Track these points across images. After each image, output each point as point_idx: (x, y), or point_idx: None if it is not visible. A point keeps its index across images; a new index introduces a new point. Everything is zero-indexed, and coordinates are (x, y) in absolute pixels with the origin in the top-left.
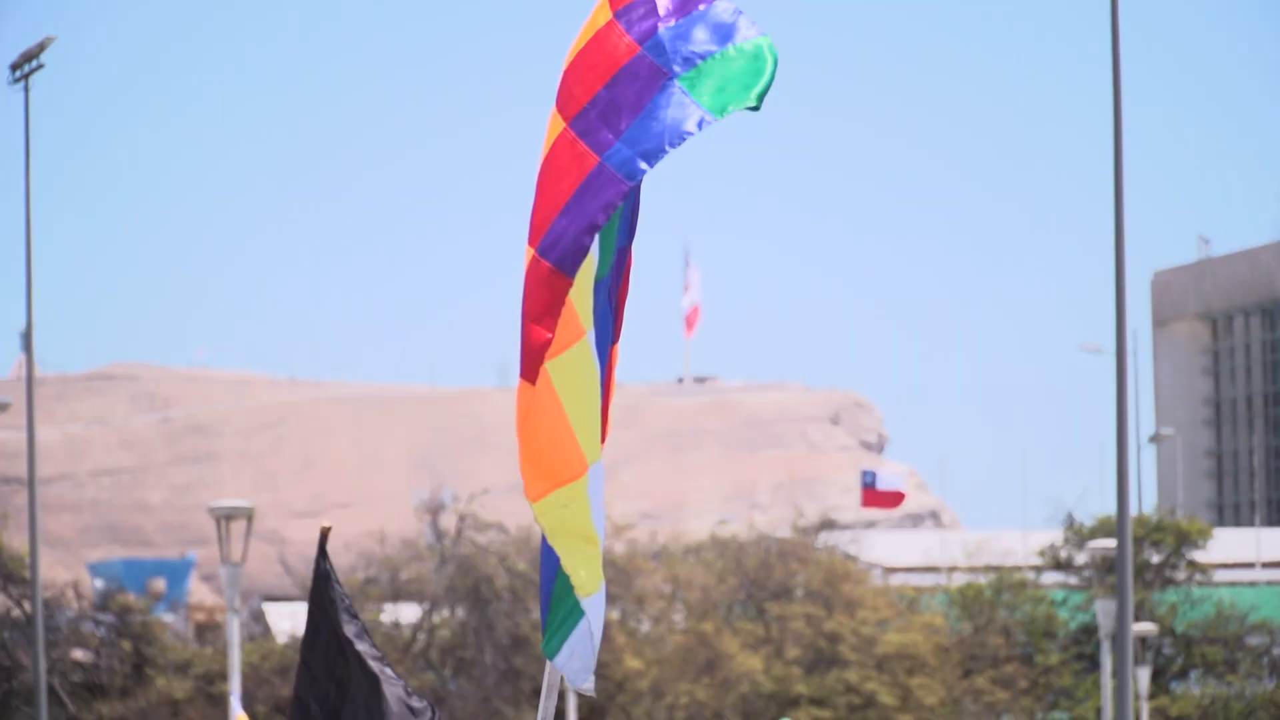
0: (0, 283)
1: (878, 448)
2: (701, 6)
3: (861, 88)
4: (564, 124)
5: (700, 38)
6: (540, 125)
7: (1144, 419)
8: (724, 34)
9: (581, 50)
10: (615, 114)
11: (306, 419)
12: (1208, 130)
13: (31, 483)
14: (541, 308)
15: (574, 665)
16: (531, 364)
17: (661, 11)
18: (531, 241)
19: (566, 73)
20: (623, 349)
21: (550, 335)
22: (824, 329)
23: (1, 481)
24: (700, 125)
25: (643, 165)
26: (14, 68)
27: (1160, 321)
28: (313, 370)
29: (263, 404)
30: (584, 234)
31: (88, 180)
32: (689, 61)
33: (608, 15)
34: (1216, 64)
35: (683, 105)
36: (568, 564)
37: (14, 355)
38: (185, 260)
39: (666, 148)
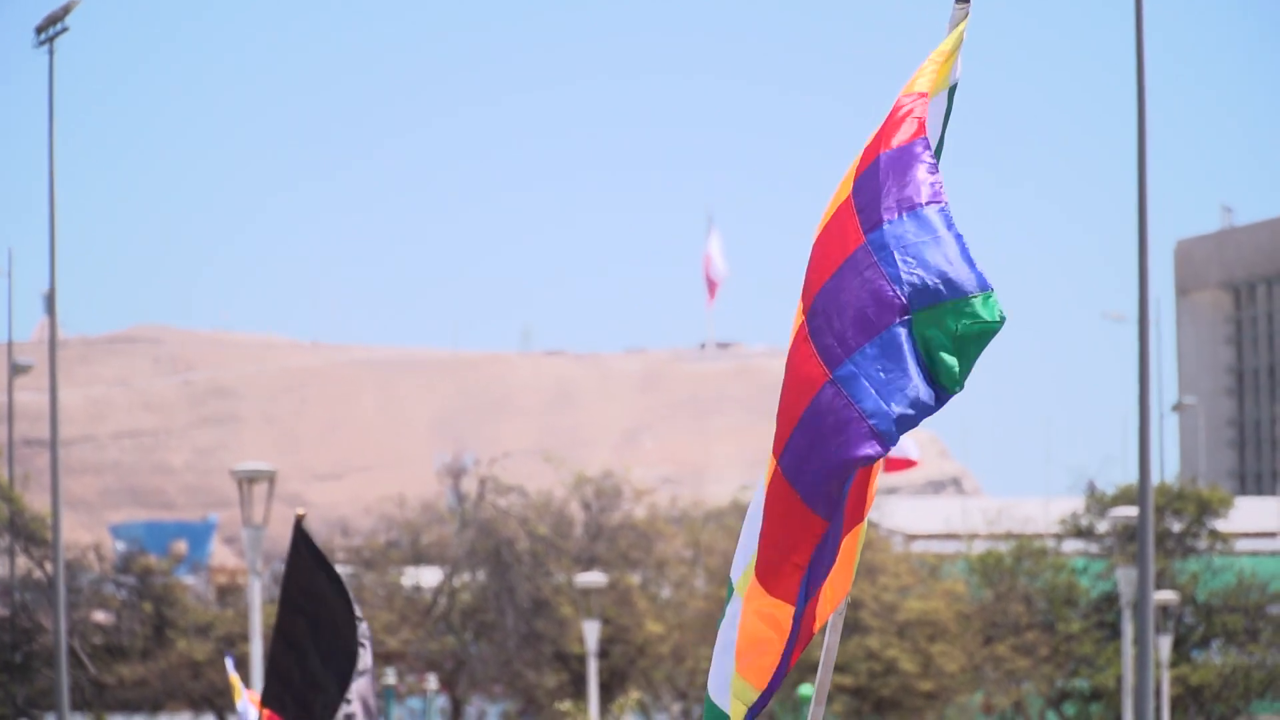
0: (23, 245)
1: None
2: (924, 201)
3: (884, 56)
4: (802, 310)
5: (928, 256)
6: (570, 102)
7: (1166, 388)
8: (953, 277)
9: (825, 227)
10: (840, 317)
11: (329, 382)
12: (1231, 99)
13: (53, 444)
14: (789, 538)
15: None
16: (778, 585)
17: (885, 206)
18: (774, 448)
19: (814, 244)
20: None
21: (802, 569)
22: None
23: (23, 443)
24: (938, 405)
25: (897, 434)
26: (39, 30)
27: (1183, 290)
28: (335, 333)
29: (285, 367)
30: (834, 479)
31: (110, 143)
32: (920, 296)
33: (849, 189)
34: (1240, 32)
35: (922, 369)
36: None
37: (36, 317)
38: (208, 223)
39: (918, 424)
